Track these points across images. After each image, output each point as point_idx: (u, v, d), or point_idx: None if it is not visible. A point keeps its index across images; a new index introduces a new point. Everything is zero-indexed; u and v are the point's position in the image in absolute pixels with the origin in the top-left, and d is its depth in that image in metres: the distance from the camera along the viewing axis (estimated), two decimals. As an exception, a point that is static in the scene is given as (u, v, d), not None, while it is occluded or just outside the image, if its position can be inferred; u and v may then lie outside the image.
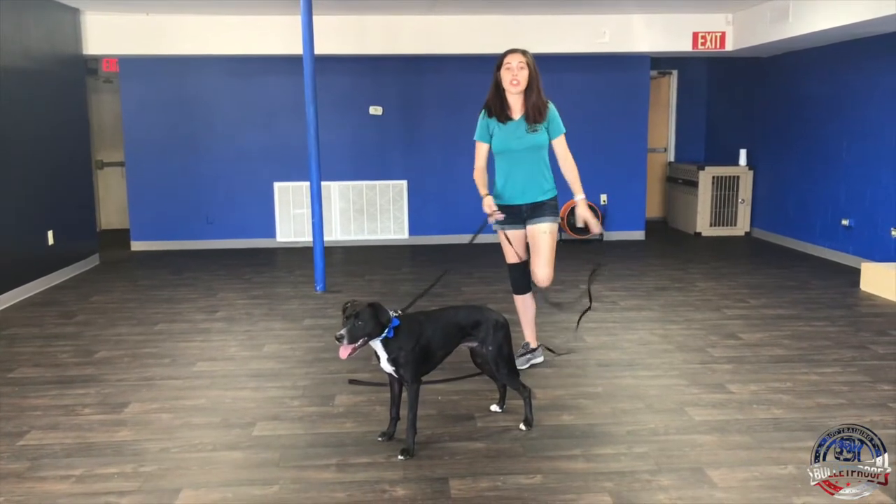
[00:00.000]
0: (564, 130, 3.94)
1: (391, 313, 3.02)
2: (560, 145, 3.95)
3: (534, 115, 3.84)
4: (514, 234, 4.00)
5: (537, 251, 3.94)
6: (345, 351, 2.92)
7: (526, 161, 3.89)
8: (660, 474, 2.90)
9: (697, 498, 2.72)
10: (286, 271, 7.10)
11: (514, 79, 3.78)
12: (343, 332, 2.90)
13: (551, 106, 3.92)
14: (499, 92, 3.86)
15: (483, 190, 3.90)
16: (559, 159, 3.97)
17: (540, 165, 3.92)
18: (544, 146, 3.91)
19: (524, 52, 3.85)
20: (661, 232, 9.35)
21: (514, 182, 3.91)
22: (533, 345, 4.20)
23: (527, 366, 4.08)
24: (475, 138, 3.97)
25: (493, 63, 3.90)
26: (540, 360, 4.21)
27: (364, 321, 2.90)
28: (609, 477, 2.88)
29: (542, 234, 3.92)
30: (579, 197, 3.99)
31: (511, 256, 4.04)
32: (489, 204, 3.83)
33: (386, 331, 2.98)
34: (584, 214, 3.97)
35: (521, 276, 4.06)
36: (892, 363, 4.20)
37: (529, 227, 3.97)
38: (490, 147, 3.93)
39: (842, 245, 7.19)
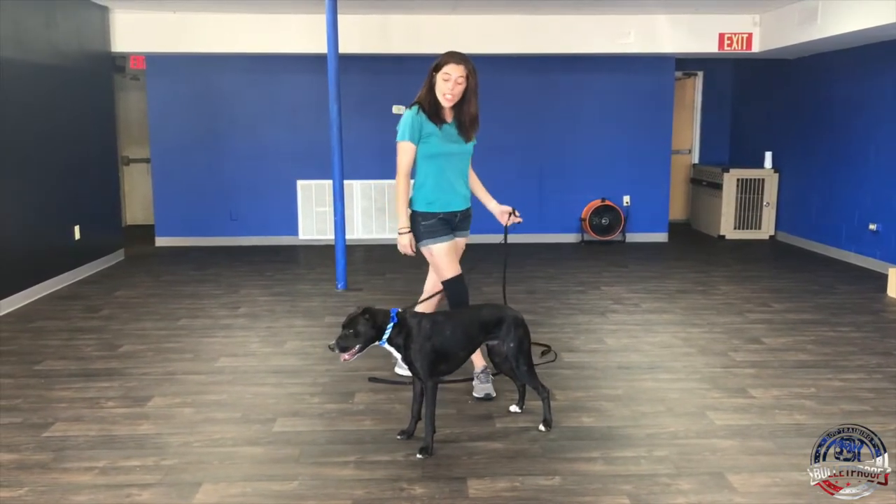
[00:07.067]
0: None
1: (392, 311, 3.10)
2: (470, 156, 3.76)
3: (470, 127, 3.59)
4: (450, 245, 3.63)
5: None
6: (342, 357, 3.04)
7: (461, 166, 3.66)
8: (679, 478, 2.88)
9: (717, 503, 2.70)
10: (308, 269, 7.14)
11: (450, 92, 3.47)
12: (332, 343, 3.03)
13: None
14: (432, 95, 3.53)
15: (404, 216, 3.57)
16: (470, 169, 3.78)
17: (468, 171, 3.73)
18: (471, 154, 3.72)
19: (467, 63, 3.48)
20: (685, 234, 9.27)
21: (454, 187, 3.61)
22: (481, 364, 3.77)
23: (482, 394, 3.67)
24: (404, 138, 3.54)
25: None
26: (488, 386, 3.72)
27: (355, 329, 3.02)
28: (628, 480, 2.86)
29: (462, 248, 3.75)
30: (493, 204, 3.80)
31: (451, 270, 3.59)
32: (411, 245, 3.59)
33: (386, 331, 3.06)
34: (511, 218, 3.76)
35: (467, 289, 3.62)
36: (918, 370, 4.14)
37: (458, 239, 3.71)
38: (416, 150, 3.58)
39: (869, 250, 7.08)
